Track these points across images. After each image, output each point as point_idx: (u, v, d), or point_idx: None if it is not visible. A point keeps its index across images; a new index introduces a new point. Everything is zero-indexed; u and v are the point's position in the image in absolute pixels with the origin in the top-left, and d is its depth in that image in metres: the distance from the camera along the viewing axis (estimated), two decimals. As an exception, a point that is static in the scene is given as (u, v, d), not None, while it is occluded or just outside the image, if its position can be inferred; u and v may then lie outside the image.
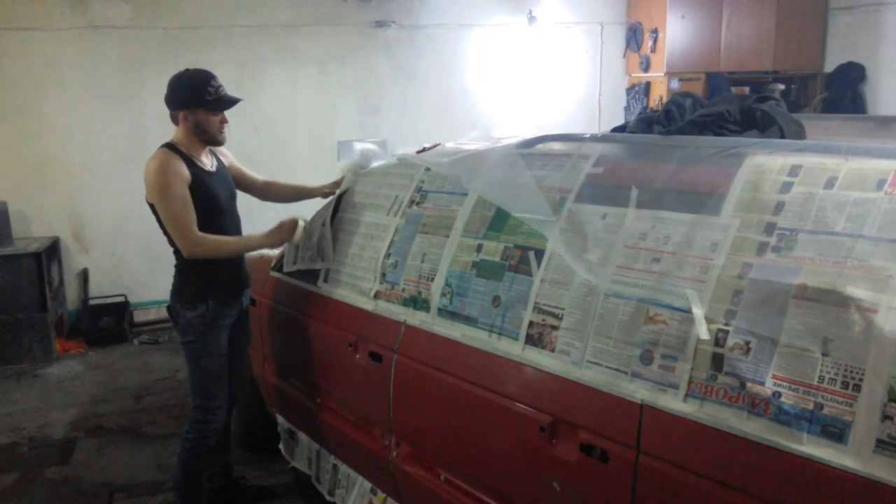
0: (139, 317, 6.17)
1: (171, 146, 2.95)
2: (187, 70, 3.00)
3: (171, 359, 5.45)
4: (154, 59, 6.04)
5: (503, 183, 2.43)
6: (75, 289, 6.20)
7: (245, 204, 3.28)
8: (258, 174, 3.41)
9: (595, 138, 2.36)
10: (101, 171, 6.13)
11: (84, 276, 6.18)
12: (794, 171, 1.75)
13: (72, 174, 6.09)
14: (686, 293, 1.78)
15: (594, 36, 7.36)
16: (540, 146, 2.50)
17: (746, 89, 6.91)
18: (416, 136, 6.87)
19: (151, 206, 2.95)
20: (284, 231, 3.11)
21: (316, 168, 6.48)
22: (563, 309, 2.05)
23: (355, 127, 6.78)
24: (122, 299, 6.11)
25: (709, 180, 1.89)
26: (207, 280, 3.02)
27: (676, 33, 6.80)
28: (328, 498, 3.14)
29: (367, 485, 2.89)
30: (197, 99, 2.92)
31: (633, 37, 7.20)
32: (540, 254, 2.18)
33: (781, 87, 7.09)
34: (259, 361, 3.56)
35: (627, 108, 7.36)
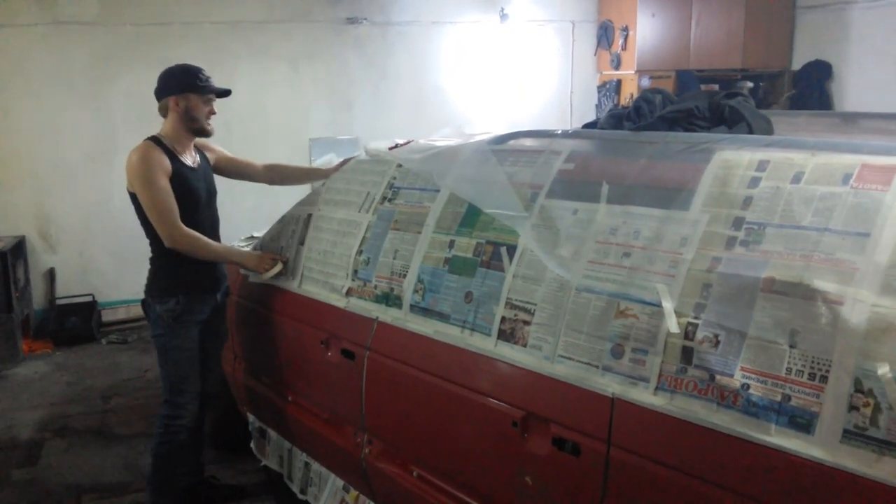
0: (107, 316, 6.09)
1: (155, 139, 2.96)
2: (177, 63, 3.06)
3: (139, 359, 5.38)
4: (122, 56, 5.97)
5: (475, 179, 2.43)
6: (42, 288, 6.10)
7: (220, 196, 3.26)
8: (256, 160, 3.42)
9: (566, 134, 2.37)
10: (69, 170, 6.04)
11: (51, 275, 6.08)
12: (761, 166, 1.76)
13: (38, 172, 5.99)
14: (656, 287, 1.79)
15: (566, 34, 7.38)
16: (512, 142, 2.50)
17: (716, 87, 6.98)
18: (389, 133, 6.80)
19: (132, 197, 2.95)
20: (264, 262, 3.09)
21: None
22: (535, 304, 2.06)
23: (327, 124, 6.75)
24: (89, 299, 6.02)
25: (678, 176, 1.91)
26: (179, 275, 3.01)
27: (647, 31, 6.85)
28: (300, 496, 3.12)
29: (340, 482, 2.88)
30: (188, 83, 2.98)
31: (604, 35, 7.24)
32: (512, 250, 2.18)
33: (750, 84, 7.17)
34: (230, 359, 3.53)
35: (599, 106, 7.39)
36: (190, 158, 3.07)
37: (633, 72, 6.91)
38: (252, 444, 3.51)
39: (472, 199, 2.38)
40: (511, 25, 7.14)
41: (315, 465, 3.03)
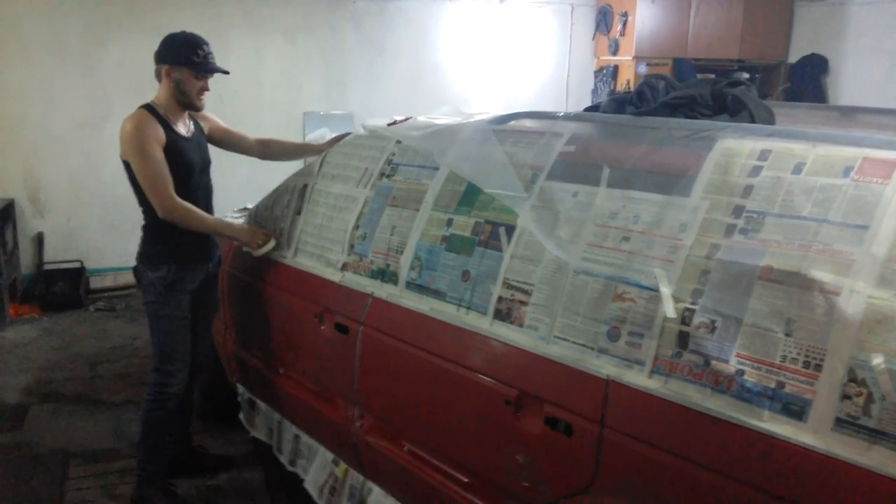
0: (95, 283, 6.06)
1: (149, 107, 2.94)
2: (184, 31, 3.03)
3: (127, 326, 5.37)
4: (116, 22, 5.91)
5: (475, 158, 2.43)
6: (30, 253, 6.05)
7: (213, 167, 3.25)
8: (250, 134, 3.42)
9: (568, 117, 2.37)
10: (60, 135, 5.99)
11: (39, 240, 6.04)
12: (763, 155, 1.77)
13: (29, 136, 5.93)
14: (654, 272, 1.81)
15: (564, 17, 7.37)
16: (512, 123, 2.50)
17: (712, 77, 6.99)
18: (384, 109, 6.82)
19: (126, 165, 2.94)
20: (257, 237, 3.10)
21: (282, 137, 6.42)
22: (532, 285, 2.07)
23: (322, 99, 6.73)
24: (77, 265, 5.98)
25: (680, 162, 1.91)
26: (172, 243, 3.01)
27: (646, 18, 6.85)
28: (289, 468, 3.13)
29: (329, 455, 2.90)
30: (184, 57, 2.94)
31: (603, 19, 7.23)
32: (510, 230, 2.19)
33: (746, 75, 7.18)
34: (220, 330, 3.53)
35: (595, 91, 7.40)
36: (184, 127, 3.06)
37: (630, 58, 6.91)
38: (241, 415, 3.53)
39: (472, 178, 2.38)
40: (510, 6, 7.11)
41: (305, 438, 3.04)
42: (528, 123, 2.48)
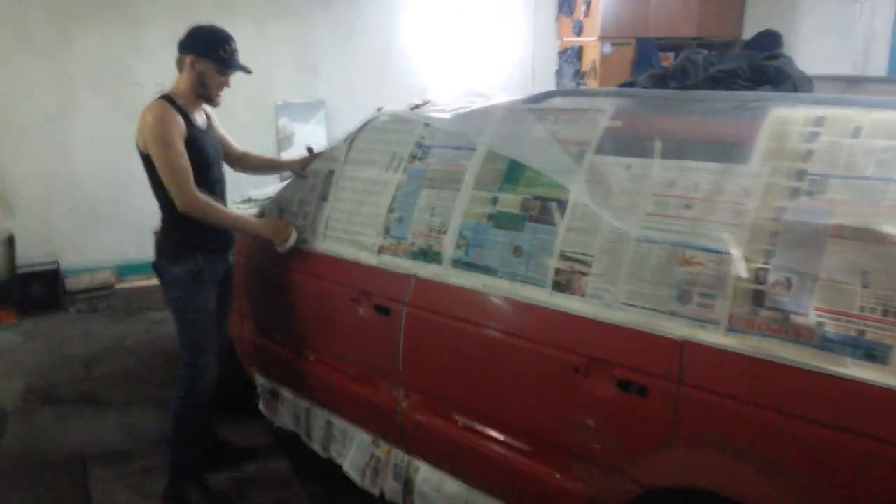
0: (72, 284, 5.90)
1: (168, 99, 2.89)
2: (211, 24, 3.03)
3: (113, 326, 5.27)
4: (84, 13, 5.73)
5: (516, 137, 2.49)
6: (2, 256, 5.87)
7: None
8: (237, 144, 3.39)
9: (609, 93, 2.45)
10: (28, 131, 5.80)
11: (10, 242, 5.85)
12: (818, 121, 1.88)
13: (-6, 134, 5.75)
14: (721, 236, 1.90)
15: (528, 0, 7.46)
16: (547, 102, 2.56)
17: (671, 55, 7.17)
18: (354, 96, 6.86)
19: (144, 158, 2.89)
20: (280, 231, 3.09)
21: (254, 129, 6.39)
22: (591, 256, 2.15)
23: (294, 87, 6.69)
24: (54, 266, 5.80)
25: (734, 131, 2.01)
26: (194, 236, 2.99)
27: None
28: (322, 454, 3.15)
29: (368, 438, 2.93)
30: (211, 51, 2.93)
31: (566, 2, 7.34)
32: (562, 204, 2.26)
33: (705, 52, 7.36)
34: (235, 321, 3.51)
35: (559, 72, 7.51)
36: (200, 120, 3.05)
37: (595, 38, 7.03)
38: (261, 406, 3.52)
39: (517, 156, 2.44)
40: (474, -11, 7.17)
41: (338, 423, 3.06)
42: (563, 101, 2.55)
